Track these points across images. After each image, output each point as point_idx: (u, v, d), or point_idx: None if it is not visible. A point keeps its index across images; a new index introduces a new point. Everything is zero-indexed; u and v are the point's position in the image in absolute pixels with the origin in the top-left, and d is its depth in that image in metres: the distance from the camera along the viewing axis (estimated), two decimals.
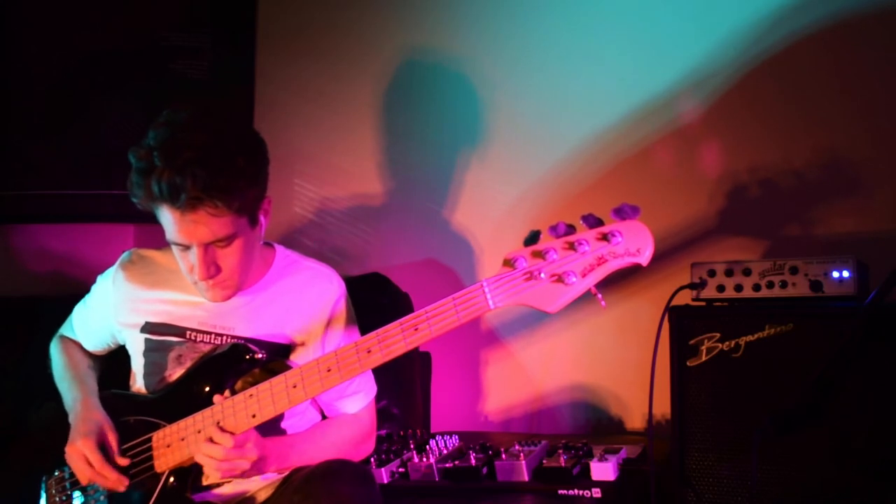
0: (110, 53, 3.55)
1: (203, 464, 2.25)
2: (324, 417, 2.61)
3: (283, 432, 2.47)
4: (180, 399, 2.37)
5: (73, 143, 3.51)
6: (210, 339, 2.45)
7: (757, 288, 2.69)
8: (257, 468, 2.28)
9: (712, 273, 2.74)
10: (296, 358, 2.45)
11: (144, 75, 3.61)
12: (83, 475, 2.32)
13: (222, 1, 3.79)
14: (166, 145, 2.20)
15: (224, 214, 2.24)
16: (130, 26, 3.58)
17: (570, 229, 1.97)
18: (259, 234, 2.42)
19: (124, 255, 2.61)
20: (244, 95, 3.75)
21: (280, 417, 2.43)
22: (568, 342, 3.45)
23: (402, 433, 3.08)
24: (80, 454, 2.31)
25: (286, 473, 2.42)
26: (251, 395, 2.24)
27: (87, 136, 3.52)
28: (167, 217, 2.25)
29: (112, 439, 2.34)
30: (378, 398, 2.64)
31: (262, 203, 2.38)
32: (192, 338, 2.45)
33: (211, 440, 2.23)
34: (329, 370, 2.17)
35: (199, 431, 2.27)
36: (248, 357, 2.35)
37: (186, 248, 2.30)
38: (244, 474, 2.28)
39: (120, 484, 2.31)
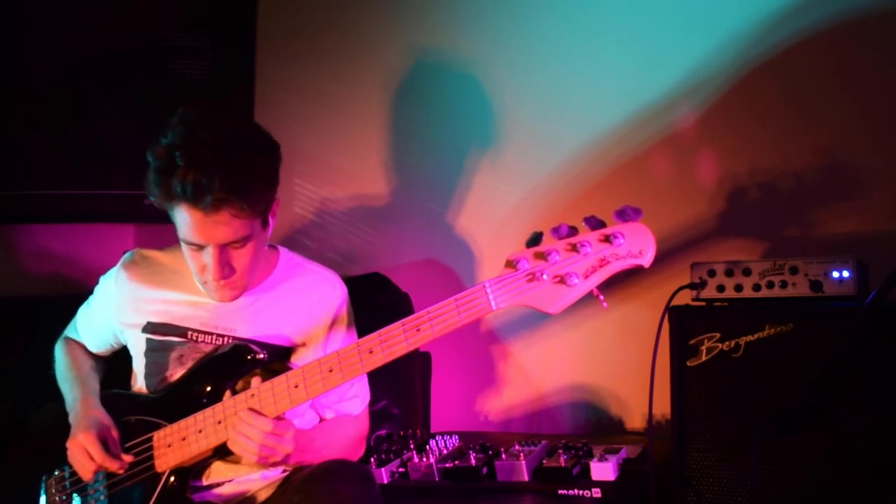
0: (110, 53, 3.55)
1: (239, 445, 2.22)
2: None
3: None
4: (181, 399, 2.37)
5: (73, 143, 3.51)
6: (212, 339, 2.45)
7: (757, 288, 2.69)
8: (285, 460, 2.28)
9: (712, 273, 2.74)
10: (297, 360, 2.45)
11: (144, 75, 3.60)
12: (86, 469, 2.32)
13: (222, 1, 3.79)
14: (187, 145, 2.19)
15: (246, 216, 2.24)
16: (130, 26, 3.58)
17: (573, 231, 1.98)
18: (267, 235, 2.43)
19: (126, 255, 2.61)
20: (244, 95, 3.75)
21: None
22: (568, 342, 3.45)
23: (402, 433, 3.08)
24: (82, 447, 2.31)
25: (287, 473, 2.42)
26: (253, 395, 2.24)
27: (87, 136, 3.52)
28: (185, 217, 2.24)
29: (113, 436, 2.35)
30: (378, 398, 2.65)
31: (273, 205, 2.39)
32: (194, 338, 2.46)
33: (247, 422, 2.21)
34: (331, 370, 2.17)
35: (200, 431, 2.28)
36: (249, 357, 2.35)
37: (200, 248, 2.30)
38: (274, 464, 2.28)
39: (122, 468, 2.32)
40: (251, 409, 2.21)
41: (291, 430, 2.23)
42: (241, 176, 2.19)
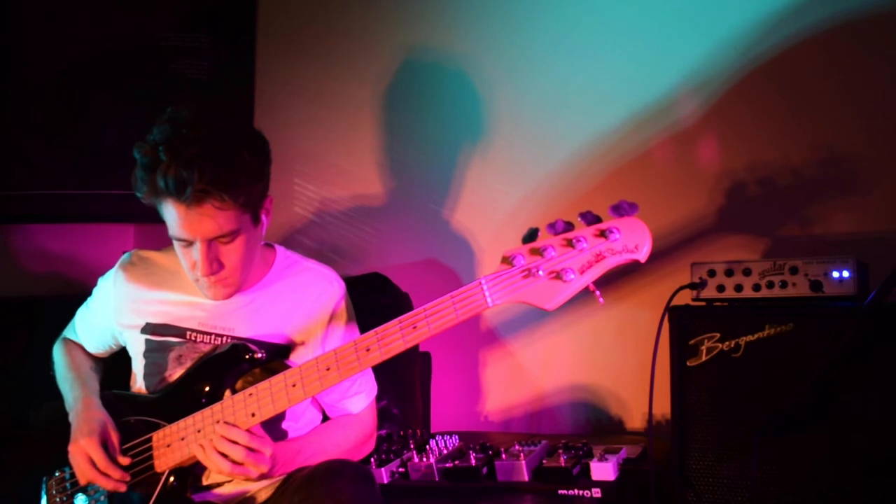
0: (110, 53, 3.55)
1: (212, 460, 2.22)
2: (325, 418, 2.61)
3: (283, 433, 2.47)
4: (180, 399, 2.37)
5: (73, 143, 3.51)
6: (210, 339, 2.45)
7: (757, 288, 2.69)
8: (269, 472, 2.28)
9: (712, 273, 2.74)
10: (296, 358, 2.45)
11: (144, 75, 3.60)
12: (84, 474, 2.31)
13: (222, 1, 3.80)
14: (171, 140, 2.20)
15: (229, 208, 2.24)
16: (130, 26, 3.59)
17: (569, 226, 1.97)
18: (261, 232, 2.43)
19: (124, 257, 2.61)
20: (244, 95, 3.75)
21: (280, 418, 2.43)
22: (568, 342, 3.45)
23: (402, 433, 3.08)
24: (84, 453, 2.30)
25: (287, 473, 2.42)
26: (251, 395, 2.24)
27: (87, 136, 3.52)
28: (171, 212, 2.25)
29: (114, 438, 2.34)
30: (378, 398, 2.64)
31: (264, 201, 2.39)
32: (193, 338, 2.45)
33: (225, 439, 2.21)
34: (328, 369, 2.17)
35: (199, 431, 2.27)
36: (247, 357, 2.35)
37: (189, 244, 2.30)
38: (260, 477, 2.27)
39: (121, 484, 2.31)
40: (227, 423, 2.23)
41: (269, 449, 2.23)
42: (221, 168, 2.20)
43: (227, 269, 2.35)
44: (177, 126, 2.23)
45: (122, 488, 2.31)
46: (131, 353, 2.56)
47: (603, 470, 2.59)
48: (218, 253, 2.32)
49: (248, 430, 2.22)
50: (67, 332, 2.74)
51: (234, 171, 2.23)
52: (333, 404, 2.55)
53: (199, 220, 2.24)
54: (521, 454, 2.66)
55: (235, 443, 2.21)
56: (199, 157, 2.18)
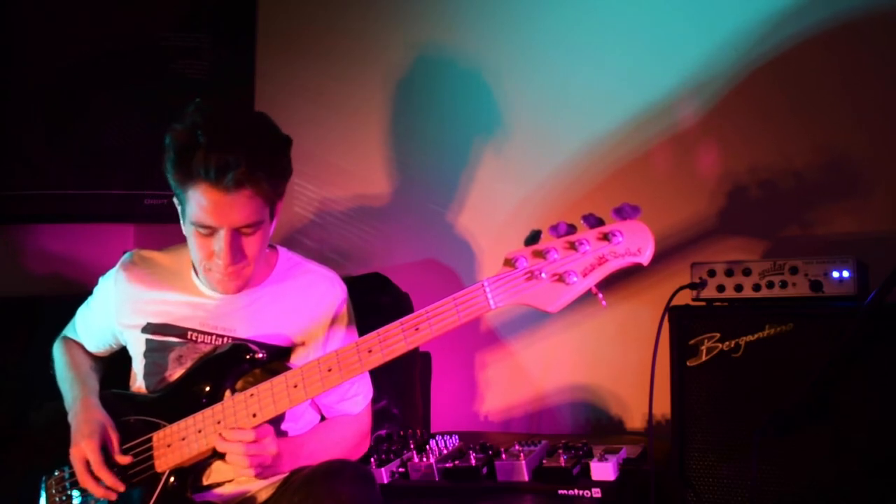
0: (110, 53, 3.54)
1: (229, 451, 2.24)
2: (322, 419, 2.62)
3: (283, 434, 2.46)
4: (181, 399, 2.37)
5: (73, 142, 3.50)
6: (211, 339, 2.45)
7: (757, 288, 2.69)
8: (274, 467, 2.29)
9: (712, 273, 2.74)
10: (296, 360, 2.45)
11: (144, 75, 3.59)
12: (84, 478, 2.32)
13: (222, 1, 3.80)
14: (210, 125, 2.20)
15: (262, 197, 2.25)
16: (130, 26, 3.58)
17: (571, 229, 1.98)
18: (272, 230, 2.42)
19: (125, 256, 2.60)
20: (244, 95, 3.74)
21: (280, 419, 2.42)
22: (568, 342, 3.45)
23: (402, 433, 3.08)
24: (82, 455, 2.30)
25: (286, 473, 2.42)
26: (252, 395, 2.24)
27: (87, 136, 3.51)
28: (200, 198, 2.22)
29: (114, 439, 2.34)
30: (378, 398, 2.64)
31: (281, 199, 2.40)
32: (193, 338, 2.45)
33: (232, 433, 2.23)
34: (330, 370, 2.17)
35: (200, 431, 2.27)
36: (248, 357, 2.35)
37: (211, 232, 2.29)
38: (265, 471, 2.28)
39: (111, 493, 2.30)
40: (229, 428, 2.24)
41: (270, 433, 2.25)
42: (263, 157, 2.22)
43: (247, 258, 2.34)
44: (212, 113, 2.24)
45: (112, 496, 2.30)
46: (132, 352, 2.56)
47: (603, 470, 2.59)
48: (240, 243, 2.31)
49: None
50: (67, 331, 2.74)
51: (273, 162, 2.25)
52: (332, 406, 2.55)
53: (232, 207, 2.22)
54: (521, 454, 2.66)
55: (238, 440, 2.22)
56: (241, 143, 2.19)
